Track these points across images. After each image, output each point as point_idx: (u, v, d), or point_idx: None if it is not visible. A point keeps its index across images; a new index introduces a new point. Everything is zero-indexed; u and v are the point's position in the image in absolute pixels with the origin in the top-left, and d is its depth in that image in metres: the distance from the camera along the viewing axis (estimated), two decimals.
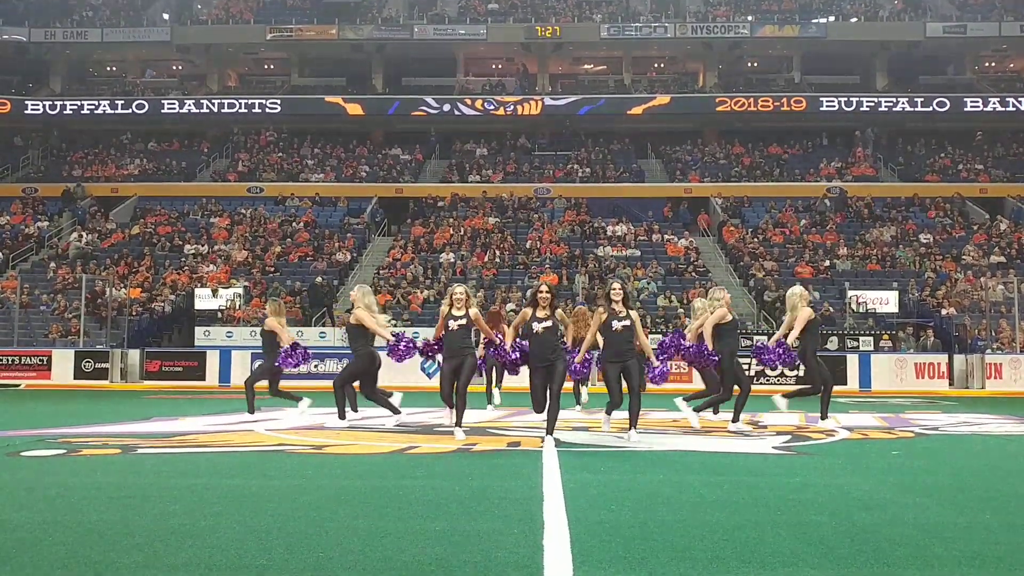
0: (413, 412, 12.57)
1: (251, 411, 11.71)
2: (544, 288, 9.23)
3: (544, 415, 8.89)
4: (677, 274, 28.13)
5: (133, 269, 28.69)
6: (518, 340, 9.39)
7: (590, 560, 4.13)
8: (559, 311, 9.37)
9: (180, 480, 6.59)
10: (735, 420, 10.52)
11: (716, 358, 10.22)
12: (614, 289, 9.21)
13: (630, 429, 9.07)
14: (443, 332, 9.29)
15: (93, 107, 38.54)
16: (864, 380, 21.52)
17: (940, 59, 41.20)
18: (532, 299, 9.27)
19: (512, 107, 37.83)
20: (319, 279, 26.51)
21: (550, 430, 8.72)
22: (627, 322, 9.00)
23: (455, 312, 9.22)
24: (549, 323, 9.00)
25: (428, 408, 13.01)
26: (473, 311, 9.27)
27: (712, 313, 10.45)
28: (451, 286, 9.80)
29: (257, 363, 12.48)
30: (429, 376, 23.15)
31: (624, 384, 9.23)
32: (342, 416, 10.64)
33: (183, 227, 32.41)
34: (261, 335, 12.07)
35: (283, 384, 11.97)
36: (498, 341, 9.47)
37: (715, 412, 11.54)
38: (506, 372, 13.49)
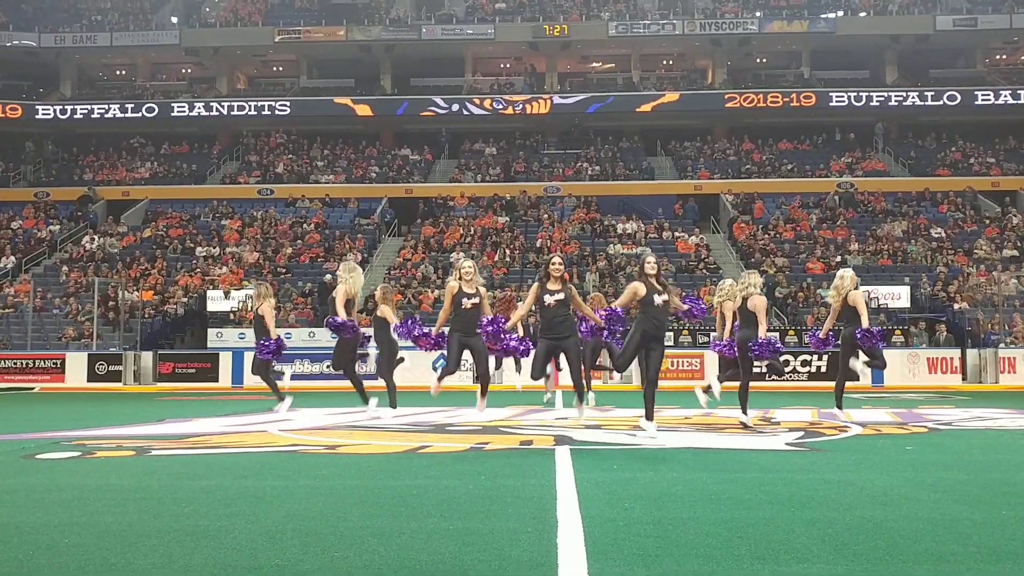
0: (424, 411, 12.58)
1: (281, 398, 11.88)
2: (556, 260, 8.85)
3: (540, 382, 8.82)
4: (688, 271, 28.10)
5: (145, 272, 28.82)
6: (522, 337, 9.26)
7: (604, 558, 4.13)
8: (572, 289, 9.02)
9: (194, 481, 6.61)
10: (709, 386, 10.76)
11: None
12: (648, 262, 8.76)
13: (646, 419, 8.82)
14: (454, 311, 9.26)
15: (103, 111, 38.73)
16: (877, 375, 21.39)
17: (951, 52, 41.04)
18: (544, 271, 8.96)
19: (521, 106, 37.85)
20: (328, 276, 26.59)
21: (580, 398, 8.74)
22: (665, 296, 8.64)
23: (467, 290, 9.08)
24: (561, 295, 8.74)
25: (440, 407, 13.01)
26: (481, 289, 9.26)
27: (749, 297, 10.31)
28: (459, 260, 9.60)
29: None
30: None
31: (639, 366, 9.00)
32: (365, 400, 10.75)
33: (194, 229, 32.54)
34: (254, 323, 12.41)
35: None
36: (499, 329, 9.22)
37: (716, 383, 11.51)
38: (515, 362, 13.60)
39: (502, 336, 9.12)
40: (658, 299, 8.59)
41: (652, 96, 38.34)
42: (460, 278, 9.19)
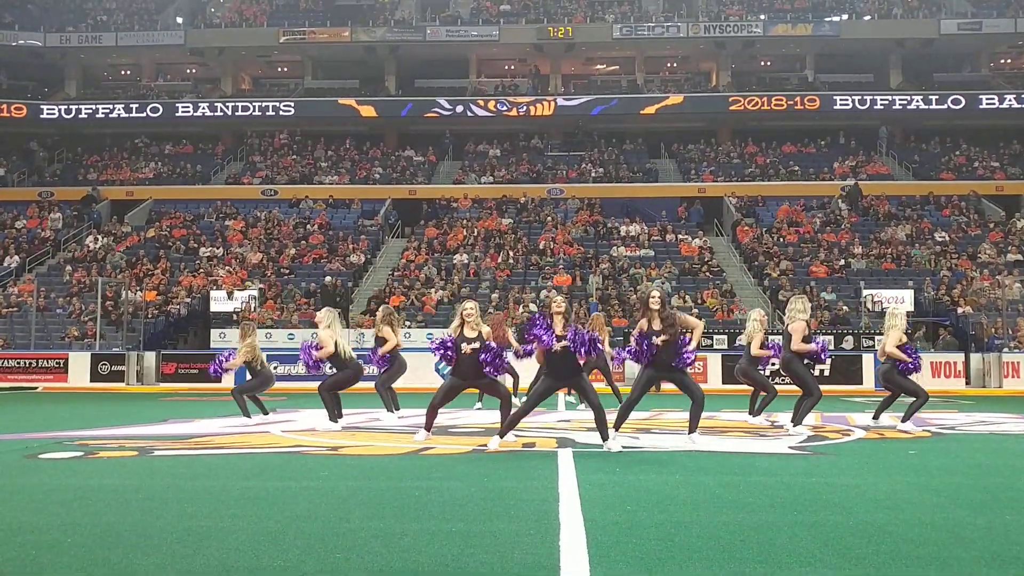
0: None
1: (247, 415, 11.73)
2: (559, 300, 8.33)
3: (514, 415, 8.55)
4: (691, 274, 28.07)
5: (148, 272, 28.84)
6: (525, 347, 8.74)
7: (606, 560, 4.12)
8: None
9: (196, 482, 6.62)
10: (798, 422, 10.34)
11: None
12: (652, 298, 8.60)
13: (691, 432, 8.73)
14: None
15: (108, 111, 38.71)
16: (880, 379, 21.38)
17: (955, 56, 40.95)
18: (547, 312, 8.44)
19: (525, 108, 37.82)
20: (328, 278, 26.61)
21: (604, 436, 8.27)
22: (666, 337, 8.44)
23: (467, 333, 8.70)
24: (567, 341, 8.12)
25: (443, 410, 12.97)
26: (485, 329, 8.79)
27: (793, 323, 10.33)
28: (462, 304, 9.12)
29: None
30: (443, 378, 23.18)
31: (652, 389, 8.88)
32: (333, 418, 10.70)
33: (198, 230, 32.55)
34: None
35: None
36: (517, 348, 9.15)
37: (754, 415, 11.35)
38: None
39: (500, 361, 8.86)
40: (656, 339, 8.49)
41: (656, 98, 38.30)
42: (462, 320, 8.77)
